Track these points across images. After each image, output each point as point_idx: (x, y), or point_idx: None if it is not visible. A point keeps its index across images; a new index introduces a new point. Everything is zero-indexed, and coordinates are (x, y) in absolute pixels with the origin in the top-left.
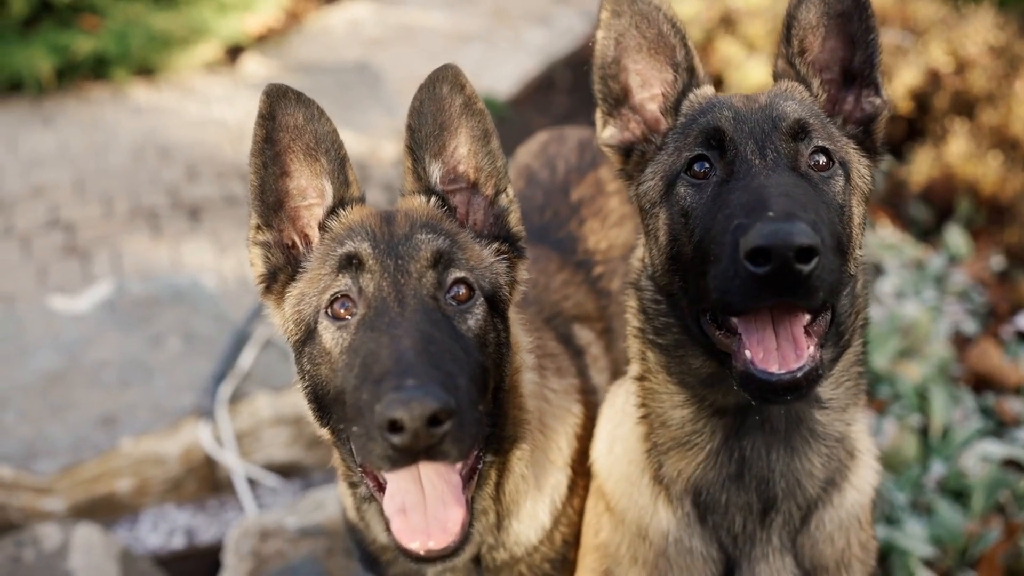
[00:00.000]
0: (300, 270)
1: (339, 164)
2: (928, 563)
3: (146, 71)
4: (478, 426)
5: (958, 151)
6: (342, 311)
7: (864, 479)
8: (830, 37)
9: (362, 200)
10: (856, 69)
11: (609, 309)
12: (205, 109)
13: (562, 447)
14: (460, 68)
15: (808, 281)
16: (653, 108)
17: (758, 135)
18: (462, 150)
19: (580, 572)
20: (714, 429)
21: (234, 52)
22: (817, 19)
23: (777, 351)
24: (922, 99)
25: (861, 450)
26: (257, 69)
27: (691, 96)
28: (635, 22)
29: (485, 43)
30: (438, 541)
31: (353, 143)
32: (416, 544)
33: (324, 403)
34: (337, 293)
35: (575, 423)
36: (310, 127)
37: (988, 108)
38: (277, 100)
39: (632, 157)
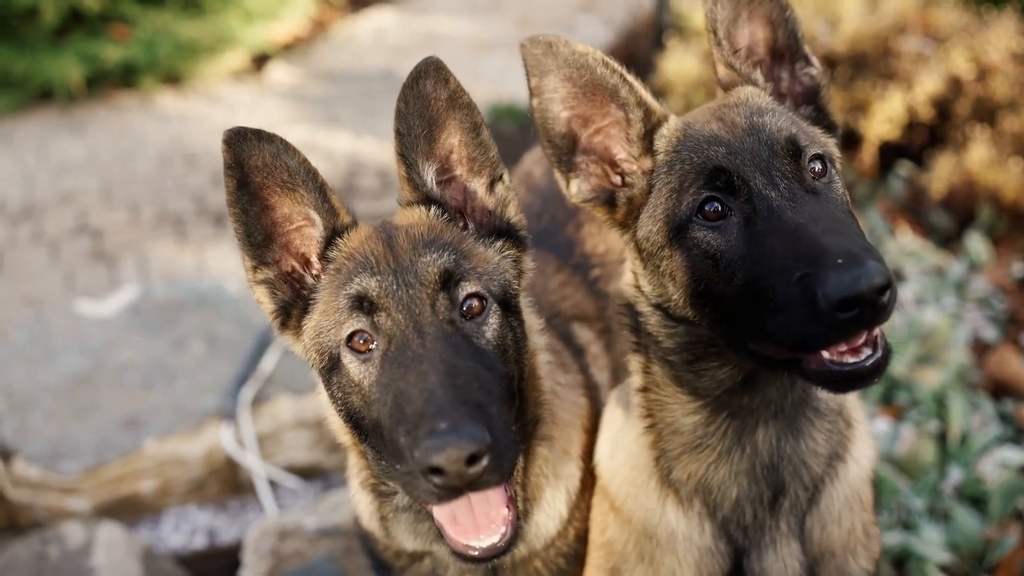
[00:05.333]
0: (311, 301)
1: (320, 193)
2: (945, 569)
3: (173, 79)
4: (514, 447)
5: (979, 158)
6: (361, 343)
7: (862, 452)
8: (749, 23)
9: (355, 224)
10: (783, 47)
11: (608, 310)
12: (231, 116)
13: (573, 438)
14: (442, 60)
15: (888, 307)
16: (599, 140)
17: (761, 165)
18: (452, 141)
19: (587, 569)
20: (726, 429)
21: (260, 60)
22: (733, 11)
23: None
24: (943, 106)
25: (857, 419)
26: (283, 77)
27: (663, 131)
28: (564, 74)
29: (509, 51)
30: (490, 540)
31: (376, 150)
32: (470, 546)
33: (361, 427)
34: (353, 331)
35: (583, 415)
36: (279, 162)
37: (1010, 115)
38: (239, 144)
39: (617, 206)
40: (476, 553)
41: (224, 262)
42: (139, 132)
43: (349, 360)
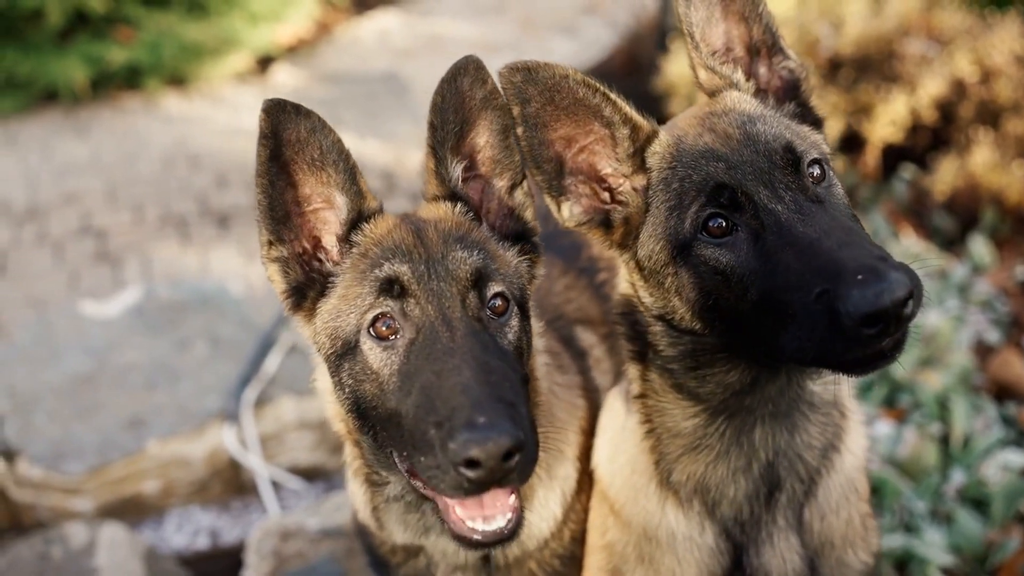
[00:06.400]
0: (329, 285)
1: (349, 175)
2: (947, 571)
3: (178, 81)
4: (537, 447)
5: (983, 161)
6: (385, 330)
7: (856, 442)
8: (724, 21)
9: (380, 210)
10: (759, 42)
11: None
12: (235, 118)
13: (569, 439)
14: (481, 60)
15: (913, 313)
16: (583, 158)
17: (763, 178)
18: (479, 141)
19: (587, 571)
20: (725, 430)
21: (265, 62)
22: (707, 11)
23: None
24: (947, 109)
25: (851, 409)
26: (287, 79)
27: (654, 147)
28: (546, 99)
29: (513, 53)
30: (496, 526)
31: (380, 151)
32: (474, 529)
33: (369, 417)
34: (380, 314)
35: (581, 416)
36: (313, 139)
37: (1014, 117)
38: (277, 116)
39: (614, 226)
40: (479, 537)
41: (227, 263)
42: (143, 133)
43: (369, 347)
